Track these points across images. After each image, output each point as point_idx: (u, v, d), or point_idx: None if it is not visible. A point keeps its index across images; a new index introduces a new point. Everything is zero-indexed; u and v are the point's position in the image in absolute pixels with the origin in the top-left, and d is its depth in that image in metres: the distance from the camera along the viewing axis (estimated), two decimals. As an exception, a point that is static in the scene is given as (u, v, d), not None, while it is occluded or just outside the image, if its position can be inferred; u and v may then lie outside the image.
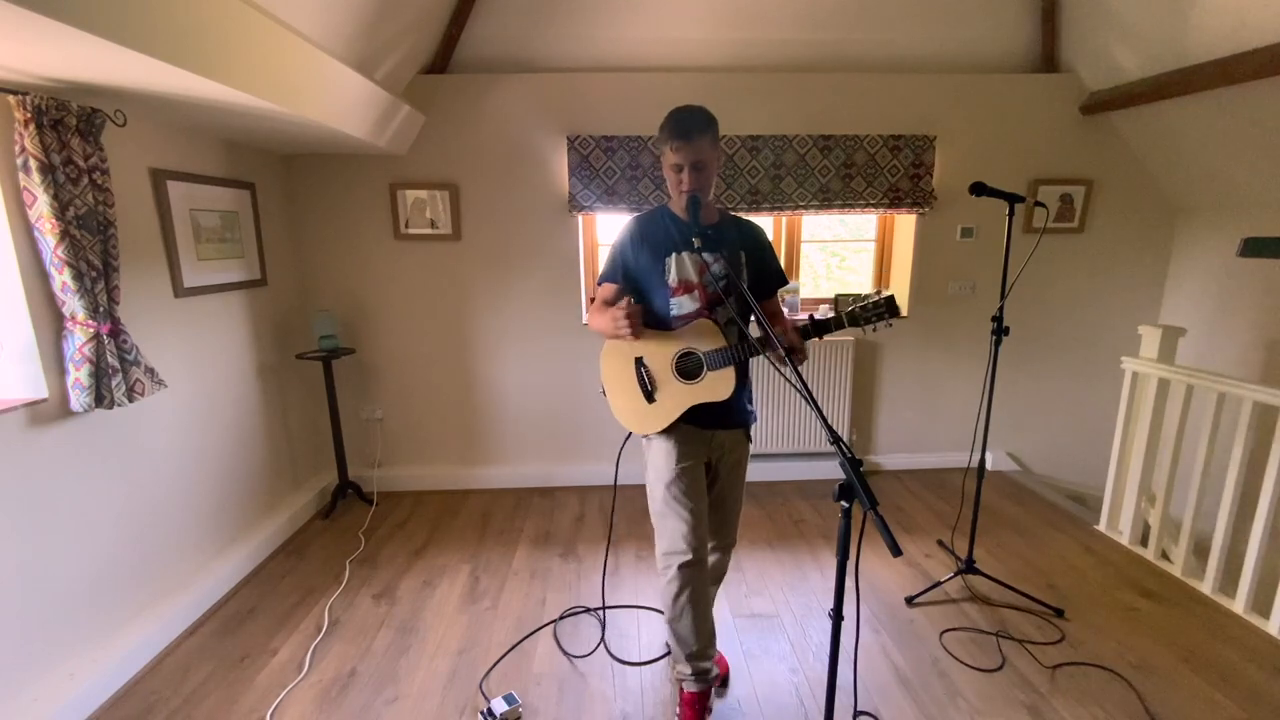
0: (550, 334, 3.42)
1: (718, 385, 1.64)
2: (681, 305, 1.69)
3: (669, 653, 2.01)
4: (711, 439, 1.74)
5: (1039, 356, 3.64)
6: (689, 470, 1.70)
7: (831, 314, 1.56)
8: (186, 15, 1.56)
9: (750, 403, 1.82)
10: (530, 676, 2.03)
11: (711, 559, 1.91)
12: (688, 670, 1.79)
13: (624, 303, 1.69)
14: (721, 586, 2.43)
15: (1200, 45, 2.60)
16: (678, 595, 1.71)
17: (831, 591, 1.34)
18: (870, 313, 1.52)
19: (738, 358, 1.60)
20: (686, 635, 1.75)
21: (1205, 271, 3.37)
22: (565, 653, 2.14)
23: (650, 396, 1.70)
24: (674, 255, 1.68)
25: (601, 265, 1.81)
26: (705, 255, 1.62)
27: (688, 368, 1.66)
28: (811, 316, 1.57)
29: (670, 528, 1.71)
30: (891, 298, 1.52)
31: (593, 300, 1.89)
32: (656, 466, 1.73)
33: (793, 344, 1.55)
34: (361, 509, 3.27)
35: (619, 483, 3.48)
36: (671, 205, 1.75)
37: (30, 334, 1.83)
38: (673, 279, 1.68)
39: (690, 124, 1.59)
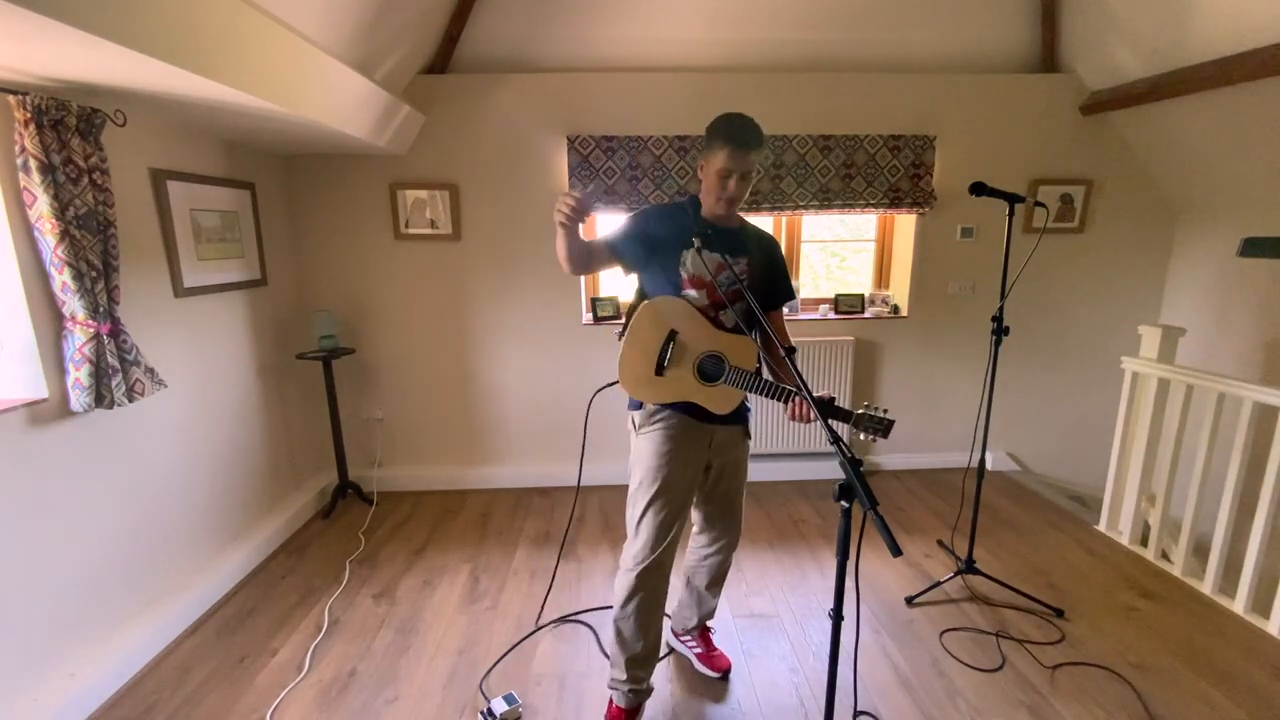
0: (550, 334, 3.42)
1: (722, 399, 1.66)
2: (690, 297, 1.68)
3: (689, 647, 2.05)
4: (711, 438, 1.73)
5: (1039, 356, 3.64)
6: (675, 477, 1.67)
7: (843, 407, 1.54)
8: (186, 15, 1.56)
9: (746, 400, 1.82)
10: (530, 676, 2.03)
11: (716, 559, 1.92)
12: (623, 677, 1.75)
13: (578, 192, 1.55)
14: (721, 586, 2.44)
15: (1200, 45, 2.60)
16: (632, 595, 1.68)
17: (831, 591, 1.34)
18: (868, 425, 1.53)
19: (755, 388, 1.60)
20: (630, 636, 1.71)
21: (1205, 271, 3.37)
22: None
23: (660, 369, 1.66)
24: (693, 250, 1.65)
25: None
26: (719, 256, 1.64)
27: (707, 368, 1.67)
28: (831, 401, 1.53)
29: (645, 533, 1.68)
30: (891, 425, 1.54)
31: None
32: (643, 469, 1.69)
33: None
34: (361, 509, 3.27)
35: (618, 482, 3.48)
36: (701, 199, 1.72)
37: (30, 334, 1.83)
38: (685, 272, 1.68)
39: (750, 135, 1.58)
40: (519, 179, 3.26)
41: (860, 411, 1.53)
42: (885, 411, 1.53)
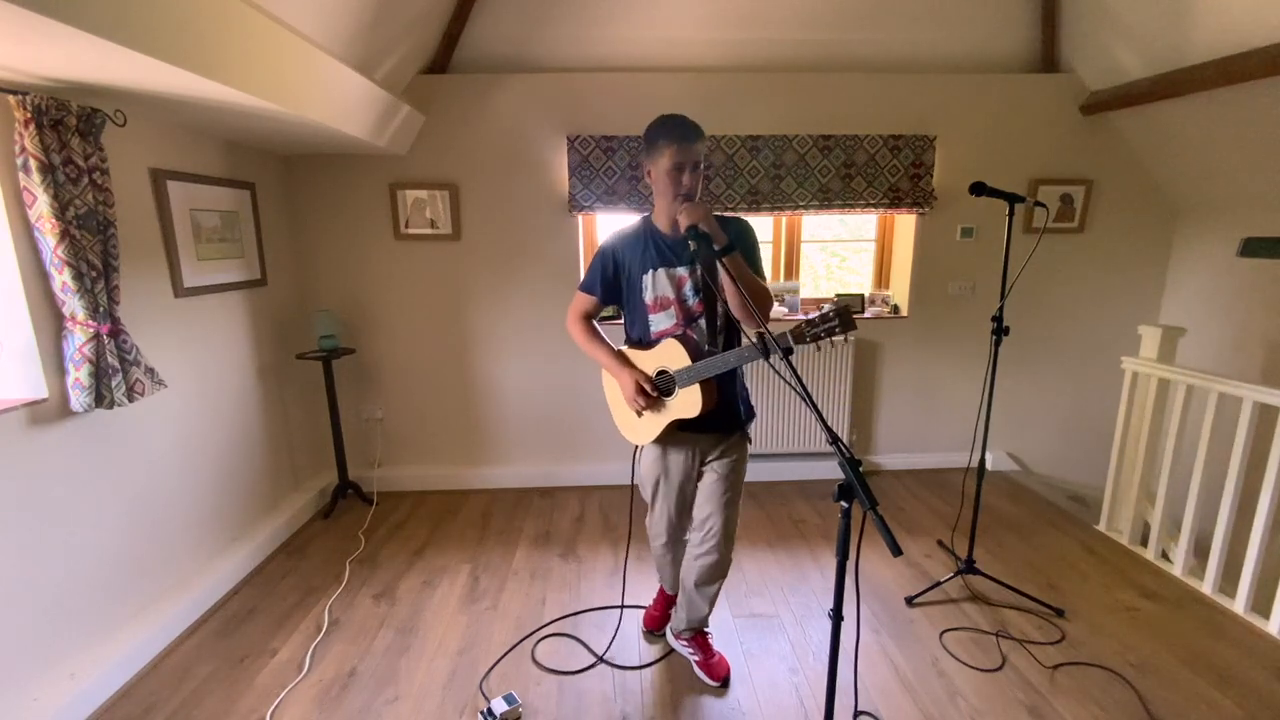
0: (550, 334, 3.42)
1: (687, 403, 1.70)
2: (658, 322, 1.76)
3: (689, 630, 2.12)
4: (700, 444, 1.85)
5: (1039, 356, 3.64)
6: (670, 479, 1.89)
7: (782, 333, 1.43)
8: (186, 15, 1.55)
9: (744, 403, 1.87)
10: (530, 676, 2.03)
11: (706, 559, 1.90)
12: (667, 585, 2.19)
13: (640, 382, 1.74)
14: (722, 586, 2.44)
15: (1200, 45, 2.60)
16: (661, 558, 2.10)
17: (831, 591, 1.34)
18: (819, 328, 1.38)
19: (703, 373, 1.64)
20: (667, 574, 2.14)
21: (1205, 271, 3.37)
22: (550, 669, 2.14)
23: (639, 411, 1.81)
24: (651, 273, 1.74)
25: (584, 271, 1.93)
26: (679, 270, 1.71)
27: (663, 386, 1.75)
28: (761, 336, 1.40)
29: (654, 519, 2.00)
30: (845, 309, 1.34)
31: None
32: (644, 471, 1.95)
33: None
34: (361, 509, 3.27)
35: (619, 482, 3.49)
36: (655, 217, 1.79)
37: (30, 334, 1.83)
38: (649, 297, 1.75)
39: (689, 127, 1.64)
40: (519, 179, 3.26)
41: (799, 325, 1.40)
42: (835, 298, 1.41)
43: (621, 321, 1.92)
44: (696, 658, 2.04)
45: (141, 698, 1.95)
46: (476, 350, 3.45)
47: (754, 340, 1.45)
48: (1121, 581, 2.53)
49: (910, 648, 2.14)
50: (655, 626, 2.22)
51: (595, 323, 1.92)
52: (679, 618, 2.08)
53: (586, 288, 1.86)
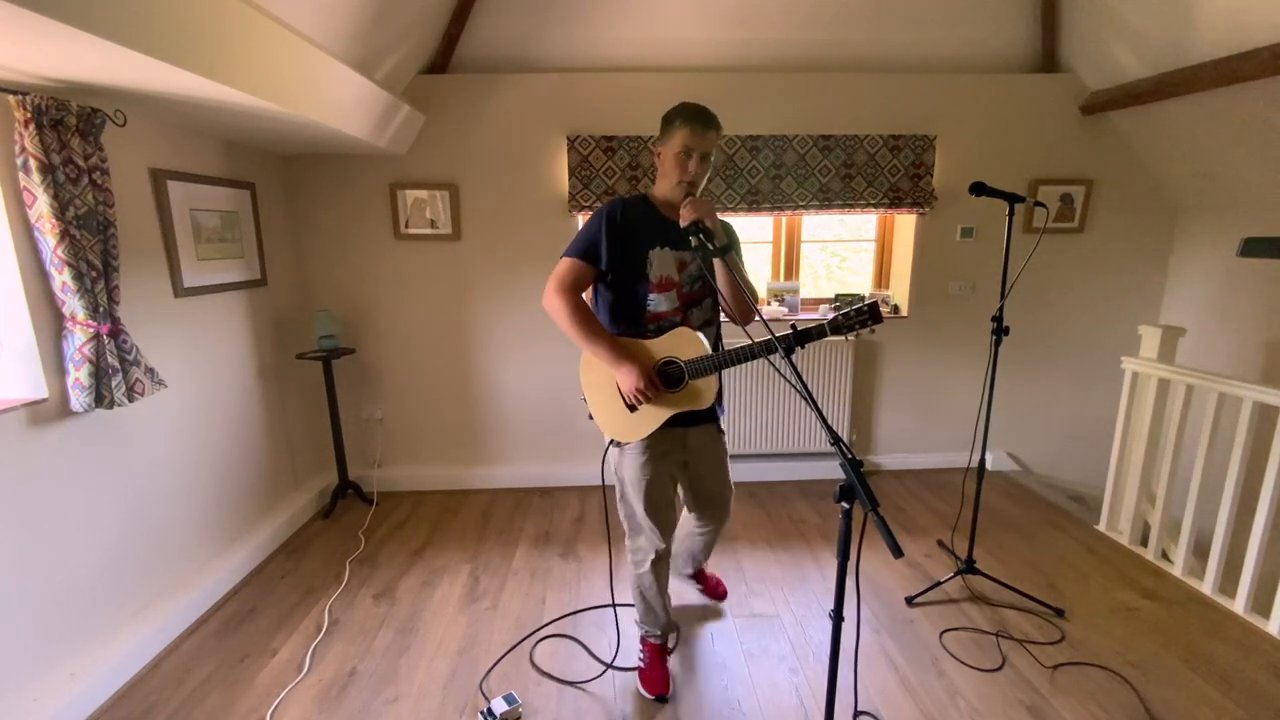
0: (550, 334, 3.41)
1: (699, 394, 1.66)
2: (658, 303, 1.71)
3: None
4: (684, 440, 1.84)
5: (1039, 356, 3.64)
6: (658, 481, 1.80)
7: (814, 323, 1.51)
8: (186, 15, 1.56)
9: (719, 400, 1.86)
10: (530, 677, 2.03)
11: (706, 538, 2.12)
12: (657, 631, 2.00)
13: (648, 372, 1.65)
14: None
15: (1201, 45, 2.60)
16: (652, 585, 1.92)
17: (831, 592, 1.34)
18: (853, 320, 1.47)
19: (720, 365, 1.62)
20: (660, 613, 1.97)
21: (1205, 271, 3.37)
22: (550, 675, 2.14)
23: (633, 406, 1.71)
24: (656, 249, 1.69)
25: (574, 240, 1.72)
26: (684, 252, 1.68)
27: (668, 376, 1.68)
28: (794, 327, 1.46)
29: (644, 534, 1.87)
30: (875, 304, 1.47)
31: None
32: (629, 477, 1.82)
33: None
34: (361, 509, 3.27)
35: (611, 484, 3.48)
36: (654, 193, 1.76)
37: (30, 334, 1.83)
38: (654, 275, 1.70)
39: (709, 116, 1.65)
40: (519, 179, 3.26)
41: (835, 317, 1.47)
42: (862, 298, 1.48)
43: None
44: (699, 587, 2.34)
45: (141, 698, 1.95)
46: (476, 350, 3.45)
47: (774, 335, 1.42)
48: (1121, 581, 2.53)
49: (910, 648, 2.14)
50: (665, 688, 1.92)
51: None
52: (678, 564, 2.28)
53: (587, 255, 1.66)
